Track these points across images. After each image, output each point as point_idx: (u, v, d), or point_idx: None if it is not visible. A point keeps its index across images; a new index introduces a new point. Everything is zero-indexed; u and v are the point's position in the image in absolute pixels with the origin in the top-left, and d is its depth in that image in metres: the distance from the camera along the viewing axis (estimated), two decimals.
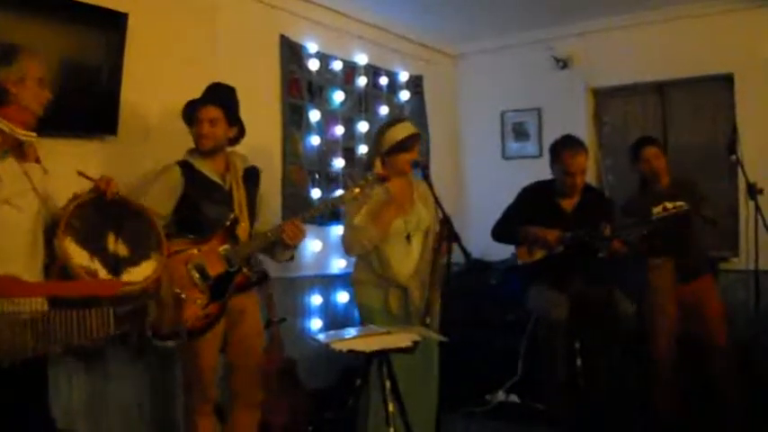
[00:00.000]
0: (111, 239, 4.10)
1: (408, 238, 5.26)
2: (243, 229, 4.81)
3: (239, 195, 4.89)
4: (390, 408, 4.26)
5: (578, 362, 5.87)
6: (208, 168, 4.81)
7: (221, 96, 4.90)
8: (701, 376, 6.03)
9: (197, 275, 4.58)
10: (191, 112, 4.81)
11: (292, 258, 5.20)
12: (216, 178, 4.83)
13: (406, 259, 5.25)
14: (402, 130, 5.31)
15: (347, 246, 5.30)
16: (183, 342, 4.47)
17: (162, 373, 5.45)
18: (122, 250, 4.11)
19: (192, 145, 4.85)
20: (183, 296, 4.47)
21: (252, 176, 5.08)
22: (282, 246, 4.88)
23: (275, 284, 5.85)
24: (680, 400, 6.01)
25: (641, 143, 6.29)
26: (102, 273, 3.96)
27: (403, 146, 5.25)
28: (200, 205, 4.72)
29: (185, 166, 4.77)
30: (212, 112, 4.80)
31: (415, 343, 4.23)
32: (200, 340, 4.60)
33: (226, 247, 4.68)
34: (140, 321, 4.25)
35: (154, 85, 5.46)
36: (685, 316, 6.01)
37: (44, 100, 3.88)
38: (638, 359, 6.25)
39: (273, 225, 4.88)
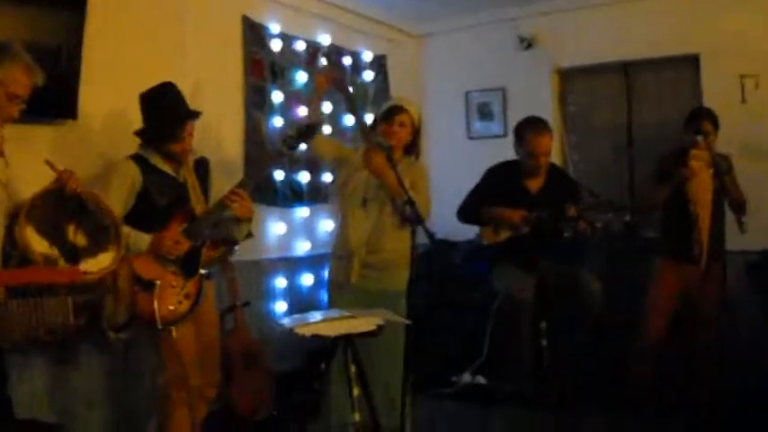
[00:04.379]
0: (70, 230, 4.12)
1: (365, 202, 5.21)
2: (199, 210, 4.81)
3: (192, 183, 4.88)
4: (355, 392, 4.24)
5: (544, 342, 5.86)
6: (162, 162, 4.78)
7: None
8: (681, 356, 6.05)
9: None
10: (175, 124, 4.77)
11: (251, 235, 5.15)
12: (170, 171, 4.81)
13: (361, 224, 5.20)
14: (390, 102, 5.43)
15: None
16: (138, 331, 4.50)
17: (127, 362, 5.38)
18: (81, 241, 4.12)
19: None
20: (159, 283, 4.48)
21: (202, 167, 5.08)
22: (235, 220, 4.86)
23: (239, 268, 5.82)
24: (658, 378, 6.00)
25: None
26: (61, 262, 3.95)
27: (383, 116, 5.28)
28: (157, 199, 4.69)
29: (140, 160, 4.73)
30: (192, 125, 4.85)
31: (380, 327, 4.21)
32: (177, 327, 4.56)
33: (185, 225, 4.66)
34: (97, 313, 4.25)
35: (115, 68, 5.35)
36: (682, 298, 5.99)
37: (8, 116, 3.81)
38: (606, 338, 6.26)
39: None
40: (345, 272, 5.22)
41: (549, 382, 5.98)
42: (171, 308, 4.53)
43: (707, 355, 5.92)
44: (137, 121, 4.85)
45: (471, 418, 6.15)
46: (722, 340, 5.91)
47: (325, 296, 5.63)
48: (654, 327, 5.99)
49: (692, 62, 7.55)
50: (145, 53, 5.59)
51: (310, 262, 7.10)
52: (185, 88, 4.95)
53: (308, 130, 4.90)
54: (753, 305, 6.30)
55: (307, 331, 4.10)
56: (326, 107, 7.29)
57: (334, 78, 5.47)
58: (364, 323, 4.25)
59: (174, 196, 4.75)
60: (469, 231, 6.56)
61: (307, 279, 7.16)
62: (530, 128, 6.05)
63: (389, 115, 5.26)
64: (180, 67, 5.69)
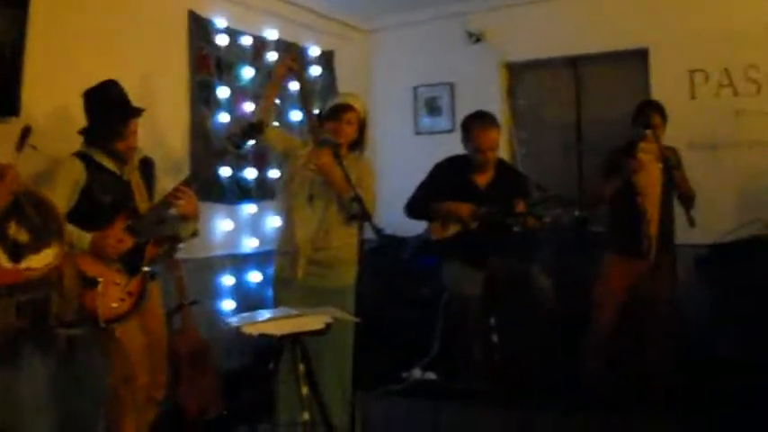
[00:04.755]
0: (12, 225, 4.02)
1: (311, 199, 5.16)
2: (144, 209, 4.78)
3: (137, 182, 4.84)
4: (304, 391, 4.21)
5: (494, 338, 5.85)
6: (107, 160, 4.73)
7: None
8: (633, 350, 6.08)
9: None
10: (120, 122, 4.72)
11: (195, 235, 5.09)
12: (114, 169, 4.76)
13: (307, 221, 5.16)
14: (335, 100, 5.40)
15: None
16: (88, 328, 4.41)
17: (73, 364, 5.26)
18: (23, 237, 4.02)
19: None
20: (101, 280, 4.43)
21: (147, 166, 5.04)
22: (180, 218, 4.82)
23: (186, 266, 5.76)
24: (609, 373, 6.05)
25: None
26: (3, 258, 3.88)
27: (329, 113, 5.25)
28: (101, 197, 4.64)
29: (85, 158, 4.67)
30: (136, 123, 4.82)
31: (328, 325, 4.18)
32: (121, 326, 4.53)
33: (128, 222, 4.60)
34: (41, 312, 4.21)
35: (58, 65, 5.24)
36: (634, 295, 6.02)
37: None
38: (556, 333, 6.27)
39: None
40: (291, 268, 5.17)
41: (499, 378, 5.95)
42: (114, 305, 4.49)
43: (658, 349, 5.95)
44: (81, 119, 4.78)
45: (422, 414, 6.11)
46: (673, 335, 5.93)
47: (272, 292, 5.55)
48: (603, 321, 6.03)
49: (641, 57, 7.59)
50: (89, 50, 5.48)
51: (258, 259, 7.02)
52: (130, 85, 4.88)
53: (252, 128, 4.85)
54: (702, 299, 6.31)
55: (254, 330, 4.08)
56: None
57: (291, 66, 5.40)
58: (312, 321, 4.23)
59: (118, 194, 4.69)
60: (418, 227, 6.51)
61: (254, 276, 7.08)
62: (477, 122, 6.02)
63: (337, 113, 5.23)
64: (124, 63, 5.58)
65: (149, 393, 4.84)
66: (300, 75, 5.42)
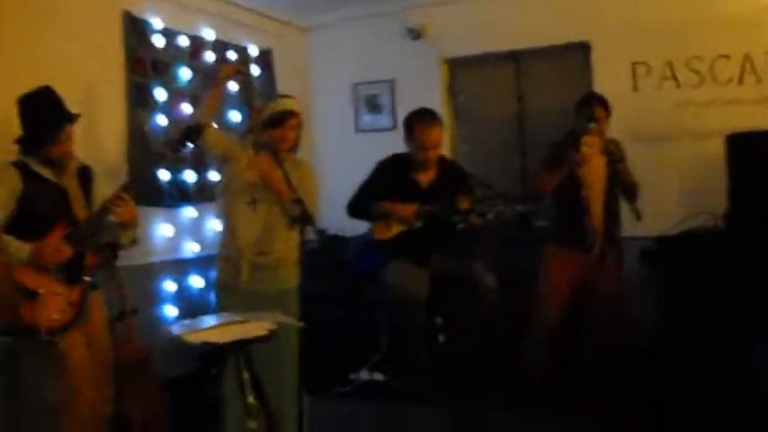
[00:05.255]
0: None
1: (253, 203, 5.06)
2: (82, 217, 4.68)
3: (74, 190, 4.74)
4: (250, 399, 4.13)
5: (441, 338, 5.81)
6: (43, 168, 4.62)
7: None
8: (578, 346, 6.10)
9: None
10: (54, 127, 4.61)
11: (135, 242, 4.99)
12: (51, 177, 4.64)
13: (250, 225, 5.07)
14: (277, 105, 5.23)
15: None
16: (19, 338, 4.31)
17: (11, 377, 5.10)
18: None
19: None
20: (42, 291, 4.34)
21: (86, 174, 4.92)
22: (119, 225, 4.72)
23: (126, 273, 5.63)
24: (552, 368, 6.03)
25: None
26: None
27: (273, 121, 5.11)
28: (38, 206, 4.53)
29: (20, 167, 4.56)
30: (70, 129, 4.70)
31: (272, 331, 4.10)
32: (64, 338, 4.42)
33: (66, 231, 4.49)
34: None
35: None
36: (579, 288, 6.01)
37: None
38: (502, 330, 6.25)
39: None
40: (234, 273, 5.08)
41: (447, 377, 5.92)
42: (55, 316, 4.39)
43: (603, 343, 5.94)
44: (14, 126, 4.66)
45: (370, 415, 6.03)
46: (619, 329, 5.92)
47: (214, 298, 5.47)
48: (547, 315, 6.02)
49: (584, 50, 7.62)
50: (18, 51, 5.37)
51: (199, 264, 6.94)
52: (65, 89, 4.76)
53: (191, 131, 4.76)
54: (648, 292, 6.32)
55: (196, 339, 3.99)
56: None
57: (239, 69, 5.31)
58: (256, 328, 4.14)
59: (56, 203, 4.60)
60: (361, 226, 6.47)
61: (196, 281, 7.01)
62: (419, 120, 5.97)
63: (282, 120, 5.12)
64: (59, 67, 5.46)
65: (96, 409, 4.72)
66: (248, 78, 5.32)
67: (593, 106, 5.83)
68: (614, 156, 5.77)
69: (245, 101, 5.62)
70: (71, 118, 4.69)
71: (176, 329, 4.18)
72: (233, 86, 7.08)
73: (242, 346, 4.10)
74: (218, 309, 5.16)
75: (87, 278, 4.59)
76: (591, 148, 5.72)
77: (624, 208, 5.86)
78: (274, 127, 5.09)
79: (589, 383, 5.90)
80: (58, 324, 4.39)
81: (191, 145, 4.85)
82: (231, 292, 5.11)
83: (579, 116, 5.92)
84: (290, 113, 5.16)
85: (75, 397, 4.49)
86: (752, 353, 5.44)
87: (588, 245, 5.81)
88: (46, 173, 4.61)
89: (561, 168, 5.80)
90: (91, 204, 4.81)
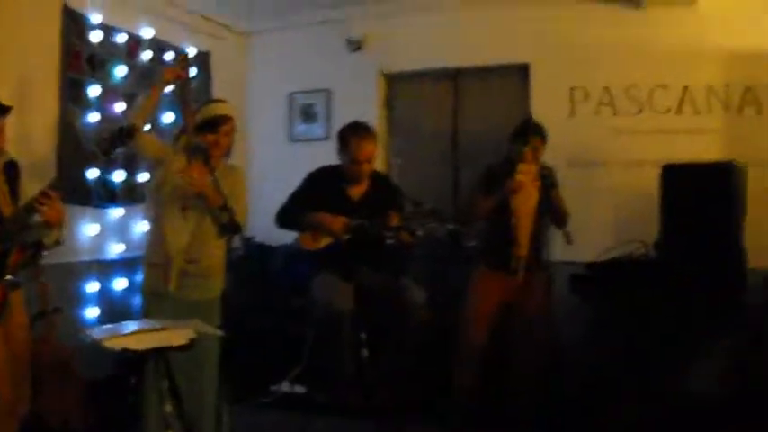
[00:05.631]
0: None
1: (184, 209, 4.97)
2: (7, 213, 4.54)
3: (1, 188, 4.60)
4: (168, 408, 4.10)
5: (364, 353, 5.80)
6: None
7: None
8: (506, 368, 6.07)
9: None
10: None
11: (59, 242, 4.85)
12: None
13: (180, 232, 4.97)
14: (212, 110, 5.16)
15: None
16: None
17: None
18: None
19: None
20: None
21: (12, 169, 4.75)
22: (44, 224, 4.56)
23: (48, 272, 5.52)
24: (480, 389, 6.01)
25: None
26: None
27: (207, 125, 5.04)
28: None
29: None
30: (2, 121, 4.58)
31: (192, 340, 4.06)
32: None
33: None
34: None
35: None
36: (506, 309, 6.00)
37: None
38: (429, 347, 6.22)
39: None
40: (162, 281, 4.98)
41: (370, 393, 5.90)
42: None
43: (528, 365, 5.96)
44: None
45: (291, 427, 6.08)
46: (544, 351, 5.95)
47: (139, 301, 5.43)
48: (474, 335, 6.00)
49: (522, 72, 7.65)
50: None
51: (124, 265, 6.86)
52: None
53: (122, 133, 4.66)
54: (577, 317, 6.36)
55: (115, 345, 3.91)
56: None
57: (179, 74, 5.23)
58: (176, 336, 4.08)
59: None
60: (290, 235, 6.42)
61: (120, 283, 6.91)
62: (353, 133, 5.94)
63: (216, 125, 5.05)
64: None
65: (12, 408, 4.59)
66: (186, 84, 5.25)
67: (529, 134, 5.85)
68: (547, 181, 5.80)
69: (179, 103, 5.52)
70: (3, 110, 4.57)
71: (96, 333, 4.11)
72: (168, 87, 7.01)
73: (161, 354, 4.06)
74: (143, 314, 5.05)
75: (9, 277, 4.48)
76: (526, 176, 5.74)
77: (556, 232, 5.88)
78: (208, 132, 5.02)
79: (515, 407, 5.94)
80: None
81: (121, 147, 4.77)
82: (158, 299, 5.01)
83: (516, 143, 5.93)
84: (224, 119, 5.10)
85: None
86: (679, 381, 5.51)
87: (512, 270, 5.82)
88: None
89: (495, 195, 5.81)
90: (17, 200, 4.68)
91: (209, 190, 4.79)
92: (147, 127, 5.72)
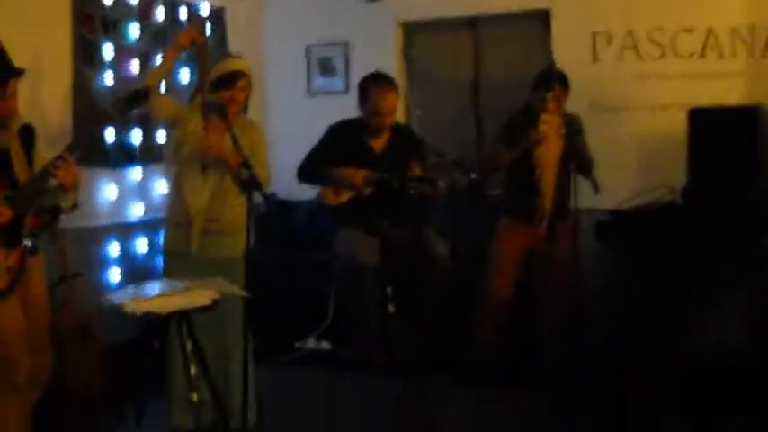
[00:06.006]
0: None
1: (204, 169, 4.97)
2: (23, 178, 4.43)
3: (16, 149, 4.47)
4: (192, 370, 4.07)
5: (391, 308, 5.75)
6: None
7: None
8: (531, 320, 6.09)
9: None
10: None
11: (76, 206, 4.76)
12: None
13: (200, 191, 4.98)
14: (226, 66, 5.11)
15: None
16: None
17: None
18: None
19: None
20: None
21: (27, 134, 4.63)
22: (61, 189, 4.47)
23: (68, 236, 5.46)
24: (504, 342, 6.03)
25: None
26: None
27: (222, 82, 4.98)
28: None
29: None
30: (15, 84, 4.40)
31: (215, 301, 4.02)
32: None
33: (6, 193, 4.29)
34: None
35: None
36: (530, 261, 6.00)
37: None
38: (453, 300, 6.22)
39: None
40: (185, 240, 4.98)
41: (396, 348, 5.88)
42: None
43: (553, 317, 5.98)
44: None
45: (316, 385, 6.04)
46: (569, 302, 5.91)
47: (161, 263, 5.39)
48: (498, 287, 6.01)
49: (543, 18, 7.51)
50: None
51: (145, 227, 6.80)
52: (6, 43, 4.52)
53: (137, 95, 4.60)
54: (603, 265, 6.29)
55: (137, 308, 3.87)
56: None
57: (195, 38, 5.16)
58: (199, 297, 4.04)
59: None
60: (311, 191, 6.39)
61: (141, 245, 6.85)
62: (374, 84, 5.91)
63: (232, 81, 4.99)
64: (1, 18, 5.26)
65: (32, 374, 4.53)
66: (204, 47, 5.17)
67: (551, 82, 5.74)
68: (572, 129, 5.70)
69: (197, 61, 5.45)
70: (16, 72, 4.43)
71: (117, 297, 4.07)
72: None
73: (184, 315, 4.02)
74: (165, 275, 5.06)
75: (27, 242, 4.42)
76: (549, 127, 5.65)
77: (581, 179, 5.79)
78: (223, 88, 4.97)
79: (539, 359, 5.95)
80: None
81: (136, 107, 4.71)
82: (179, 259, 5.02)
83: (537, 91, 5.84)
84: (240, 74, 5.04)
85: (9, 364, 4.31)
86: (702, 329, 5.44)
87: (537, 222, 5.77)
88: None
89: (518, 146, 5.75)
90: (32, 165, 4.59)
91: (228, 152, 4.76)
92: (163, 88, 5.68)
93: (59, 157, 4.34)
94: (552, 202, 5.76)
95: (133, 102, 4.59)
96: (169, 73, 5.39)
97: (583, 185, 5.80)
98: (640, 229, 6.26)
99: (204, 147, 4.88)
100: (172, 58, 5.26)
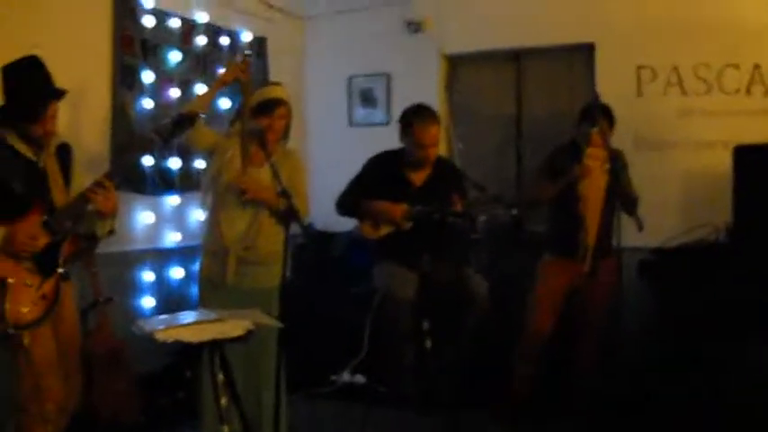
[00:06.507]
0: None
1: (242, 197, 4.92)
2: (60, 201, 4.39)
3: (53, 171, 4.43)
4: (223, 402, 3.99)
5: (427, 343, 5.65)
6: (21, 145, 4.31)
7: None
8: (566, 361, 5.99)
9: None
10: (39, 103, 4.30)
11: (113, 232, 4.73)
12: (30, 155, 4.33)
13: (237, 221, 4.95)
14: (266, 93, 5.12)
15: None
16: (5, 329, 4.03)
17: None
18: None
19: None
20: (11, 281, 4.08)
21: (64, 153, 4.60)
22: (98, 214, 4.44)
23: (103, 261, 5.45)
24: (536, 385, 5.94)
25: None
26: None
27: (261, 109, 4.99)
28: (13, 185, 4.21)
29: None
30: (56, 106, 4.39)
31: (249, 332, 3.96)
32: (31, 332, 4.15)
33: (44, 217, 4.23)
34: None
35: None
36: (571, 297, 5.91)
37: None
38: (491, 337, 6.12)
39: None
40: (220, 270, 4.95)
41: (432, 384, 5.78)
42: (24, 310, 4.11)
43: (591, 355, 5.90)
44: None
45: (350, 418, 5.90)
46: (608, 341, 5.86)
47: (195, 291, 5.35)
48: (539, 325, 5.92)
49: (587, 51, 7.42)
50: (5, 24, 5.15)
51: (181, 254, 6.73)
52: (47, 61, 4.49)
53: (183, 119, 4.56)
54: (646, 304, 6.17)
55: (167, 337, 3.80)
56: (201, 89, 6.90)
57: (239, 76, 5.14)
58: (233, 327, 3.98)
59: (33, 183, 4.28)
60: (350, 222, 6.31)
61: (177, 272, 6.78)
62: (417, 117, 5.82)
63: (270, 108, 5.00)
64: (42, 40, 5.16)
65: (62, 402, 4.44)
66: (247, 86, 5.14)
67: (596, 116, 5.66)
68: (617, 165, 5.61)
69: (239, 91, 5.43)
70: (58, 94, 4.40)
71: (148, 325, 4.00)
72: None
73: (217, 346, 3.95)
74: (200, 304, 5.03)
75: (61, 270, 4.35)
76: (594, 161, 5.57)
77: (625, 216, 5.69)
78: (262, 115, 4.96)
79: (576, 396, 5.87)
80: (28, 319, 4.12)
81: (180, 134, 4.66)
82: (215, 288, 4.99)
83: (582, 125, 5.77)
84: (279, 101, 5.04)
85: (39, 394, 4.23)
86: (745, 368, 5.31)
87: (580, 258, 5.69)
88: (24, 150, 4.31)
89: (561, 179, 5.67)
90: (69, 186, 4.54)
91: (264, 194, 4.83)
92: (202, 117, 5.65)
93: (98, 183, 4.29)
94: (596, 238, 5.67)
95: (179, 126, 4.54)
96: (209, 106, 5.37)
97: (625, 223, 5.69)
98: (684, 268, 6.14)
99: (239, 188, 4.87)
100: (213, 93, 5.32)
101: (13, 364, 4.24)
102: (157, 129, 4.57)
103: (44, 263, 4.24)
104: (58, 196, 4.39)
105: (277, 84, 5.40)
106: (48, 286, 4.24)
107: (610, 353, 5.88)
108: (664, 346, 5.94)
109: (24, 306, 4.11)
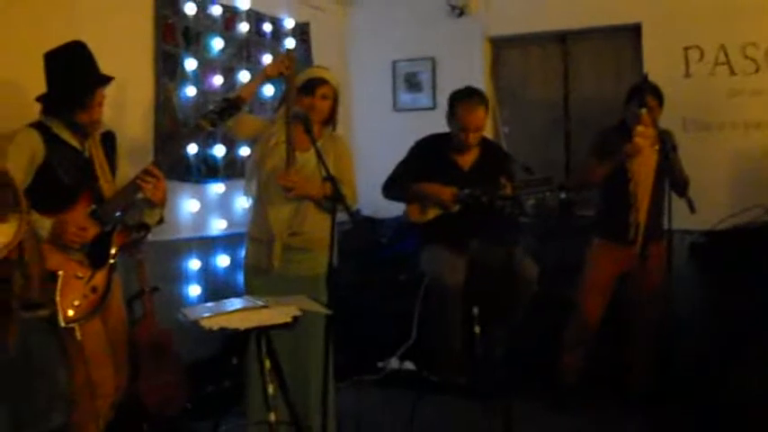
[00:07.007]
0: None
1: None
2: (108, 190, 4.36)
3: (100, 159, 4.40)
4: (270, 389, 3.96)
5: (477, 329, 5.58)
6: (67, 134, 4.27)
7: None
8: (618, 346, 5.96)
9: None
10: (86, 90, 4.26)
11: (162, 221, 4.73)
12: (75, 144, 4.30)
13: (282, 207, 4.93)
14: (308, 74, 5.14)
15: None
16: (54, 311, 3.99)
17: (27, 359, 4.86)
18: None
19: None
20: (61, 273, 4.06)
21: (109, 141, 4.57)
22: (147, 203, 4.43)
23: (148, 249, 5.41)
24: (588, 369, 5.92)
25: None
26: None
27: (303, 89, 4.99)
28: (61, 175, 4.18)
29: (43, 130, 4.20)
30: (103, 93, 4.37)
31: (296, 318, 3.91)
32: (82, 326, 4.13)
33: (93, 207, 4.21)
34: (5, 294, 3.73)
35: (7, 32, 4.86)
36: (623, 282, 5.87)
37: None
38: (541, 322, 6.10)
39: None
40: (267, 257, 4.94)
41: (481, 370, 5.72)
42: (76, 303, 4.10)
43: (646, 339, 5.82)
44: (31, 89, 4.37)
45: (399, 405, 5.81)
46: (663, 324, 5.72)
47: (241, 278, 5.30)
48: (590, 309, 5.87)
49: (634, 32, 7.32)
50: (42, 16, 5.09)
51: (226, 242, 6.72)
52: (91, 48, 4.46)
53: (229, 104, 4.56)
54: (697, 286, 6.08)
55: (213, 324, 3.76)
56: (244, 76, 6.91)
57: (283, 71, 5.11)
58: (279, 314, 3.94)
59: (80, 173, 4.26)
60: (397, 208, 6.23)
61: (222, 260, 6.77)
62: (464, 100, 5.73)
63: (312, 88, 4.97)
64: (83, 29, 5.11)
65: (108, 393, 4.42)
66: (292, 80, 5.09)
67: (645, 95, 5.56)
68: (667, 145, 5.50)
69: (284, 91, 5.41)
70: (105, 80, 4.36)
71: (194, 313, 3.96)
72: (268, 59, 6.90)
73: (263, 332, 3.93)
74: (246, 291, 4.99)
75: (113, 261, 4.32)
76: (644, 139, 5.46)
77: (676, 199, 5.58)
78: (305, 95, 4.95)
79: (630, 380, 5.87)
80: (79, 312, 4.10)
81: (228, 119, 4.66)
82: (261, 275, 4.99)
83: (631, 105, 5.69)
84: (321, 81, 5.01)
85: (91, 387, 4.20)
86: None
87: (631, 240, 5.61)
88: (70, 139, 4.28)
89: (612, 159, 5.59)
90: (115, 173, 4.53)
91: (308, 188, 4.84)
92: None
93: (148, 172, 4.26)
94: (646, 219, 5.57)
95: (226, 111, 4.54)
96: (251, 97, 5.35)
97: (675, 205, 5.59)
98: (735, 251, 6.09)
99: (283, 186, 4.84)
100: (255, 85, 5.31)
101: (65, 358, 4.22)
102: (205, 115, 4.54)
103: (94, 254, 4.22)
104: (105, 186, 4.36)
105: (320, 66, 5.37)
106: (98, 278, 4.23)
107: (664, 338, 5.76)
108: (717, 328, 5.87)
109: (75, 299, 4.10)
